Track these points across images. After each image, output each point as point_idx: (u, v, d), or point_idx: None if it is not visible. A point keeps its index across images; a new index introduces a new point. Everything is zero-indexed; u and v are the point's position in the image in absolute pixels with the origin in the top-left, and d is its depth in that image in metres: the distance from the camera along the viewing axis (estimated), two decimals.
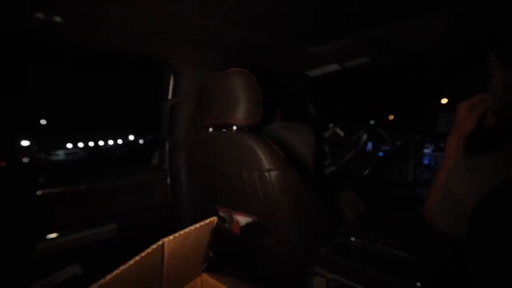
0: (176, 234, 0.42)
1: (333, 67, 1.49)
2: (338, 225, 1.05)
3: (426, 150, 1.54)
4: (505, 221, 0.45)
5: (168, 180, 1.33)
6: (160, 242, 0.40)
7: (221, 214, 1.11)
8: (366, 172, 1.53)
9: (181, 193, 1.31)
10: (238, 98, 0.87)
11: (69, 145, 27.13)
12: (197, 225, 0.45)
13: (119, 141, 32.30)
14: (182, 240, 0.42)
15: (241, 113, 0.87)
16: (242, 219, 1.02)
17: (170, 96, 1.27)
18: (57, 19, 0.85)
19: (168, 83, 1.26)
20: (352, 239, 0.87)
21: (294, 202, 0.86)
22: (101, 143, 30.82)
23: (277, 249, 0.96)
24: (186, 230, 0.43)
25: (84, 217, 1.08)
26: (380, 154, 1.66)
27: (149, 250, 0.38)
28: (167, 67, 1.25)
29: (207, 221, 0.46)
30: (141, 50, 1.14)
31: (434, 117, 1.66)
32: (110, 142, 31.81)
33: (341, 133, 1.68)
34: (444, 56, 1.65)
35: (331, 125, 1.80)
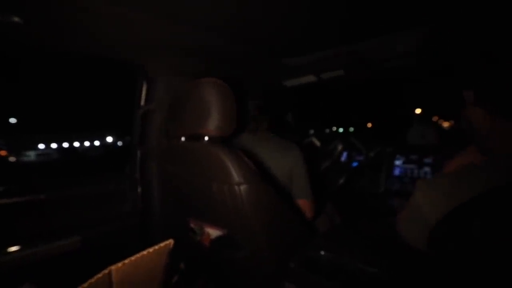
0: (126, 261, 0.39)
1: (310, 78, 1.51)
2: (311, 237, 1.05)
3: (397, 162, 1.59)
4: (462, 243, 0.46)
5: (139, 190, 1.28)
6: (106, 271, 0.37)
7: (192, 226, 1.08)
8: (340, 181, 1.56)
9: (152, 203, 1.26)
10: (210, 109, 0.85)
11: (42, 146, 25.67)
12: (151, 249, 0.42)
13: (96, 143, 30.99)
14: (133, 267, 0.39)
15: (213, 124, 0.85)
16: (213, 232, 0.99)
17: (142, 103, 1.23)
18: (16, 19, 0.80)
19: (141, 89, 1.22)
20: (322, 253, 0.87)
21: (264, 215, 0.85)
22: (76, 144, 29.42)
23: (247, 262, 0.95)
24: (138, 255, 0.41)
25: (43, 230, 1.01)
26: (354, 164, 1.70)
27: (92, 280, 0.35)
28: (140, 72, 1.21)
29: (162, 244, 0.44)
30: (112, 55, 1.10)
31: (407, 128, 1.73)
32: (86, 143, 30.45)
33: (318, 143, 1.70)
34: (416, 71, 1.73)
35: (311, 131, 1.83)
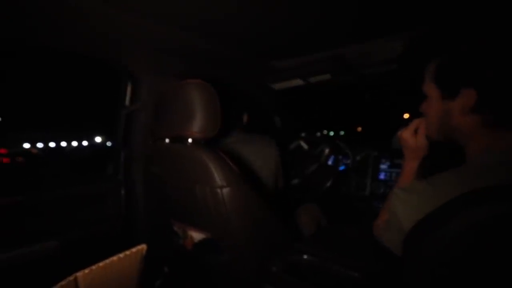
0: (94, 267, 0.37)
1: (297, 81, 1.52)
2: (296, 241, 1.05)
3: (383, 166, 1.61)
4: (433, 249, 0.47)
5: (123, 192, 1.25)
6: (71, 277, 0.35)
7: (175, 229, 1.06)
8: (327, 185, 1.57)
9: (136, 205, 1.24)
10: (194, 111, 0.85)
11: (27, 145, 24.90)
12: (121, 255, 0.41)
13: (84, 143, 30.26)
14: (102, 273, 0.38)
15: (197, 126, 0.85)
16: (196, 235, 0.98)
17: (127, 103, 1.21)
18: None
19: (126, 89, 1.20)
20: (305, 256, 0.87)
21: (247, 219, 0.85)
22: (64, 144, 28.66)
23: (230, 267, 0.94)
24: (107, 261, 0.39)
25: (17, 234, 0.97)
26: (341, 168, 1.72)
27: (56, 287, 0.34)
28: (125, 72, 1.19)
29: (134, 249, 0.42)
30: (94, 54, 1.08)
31: (393, 133, 1.74)
32: (74, 143, 29.72)
33: (305, 146, 1.71)
34: (400, 76, 1.76)
35: (303, 134, 1.84)
